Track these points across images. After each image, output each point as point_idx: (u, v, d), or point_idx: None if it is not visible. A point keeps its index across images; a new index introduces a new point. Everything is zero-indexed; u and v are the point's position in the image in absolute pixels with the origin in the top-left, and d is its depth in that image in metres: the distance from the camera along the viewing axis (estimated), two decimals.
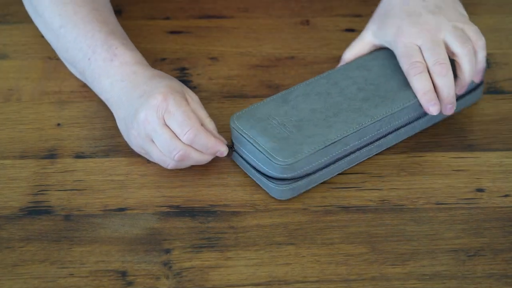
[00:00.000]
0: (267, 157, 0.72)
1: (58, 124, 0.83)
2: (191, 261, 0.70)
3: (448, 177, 0.76)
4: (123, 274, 0.69)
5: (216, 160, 0.78)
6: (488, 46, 0.90)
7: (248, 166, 0.75)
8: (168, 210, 0.74)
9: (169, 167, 0.74)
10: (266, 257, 0.70)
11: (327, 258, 0.70)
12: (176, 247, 0.71)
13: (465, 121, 0.82)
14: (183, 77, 0.88)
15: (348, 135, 0.74)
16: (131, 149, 0.79)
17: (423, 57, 0.76)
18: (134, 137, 0.74)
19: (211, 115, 0.83)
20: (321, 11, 0.96)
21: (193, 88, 0.87)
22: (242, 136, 0.74)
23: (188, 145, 0.72)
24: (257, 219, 0.73)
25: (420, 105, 0.76)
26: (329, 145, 0.73)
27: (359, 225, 0.72)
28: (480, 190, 0.75)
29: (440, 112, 0.76)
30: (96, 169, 0.78)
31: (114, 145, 0.80)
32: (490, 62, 0.89)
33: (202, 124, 0.74)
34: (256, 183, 0.76)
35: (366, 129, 0.75)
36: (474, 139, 0.80)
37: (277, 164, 0.71)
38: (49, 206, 0.74)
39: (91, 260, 0.70)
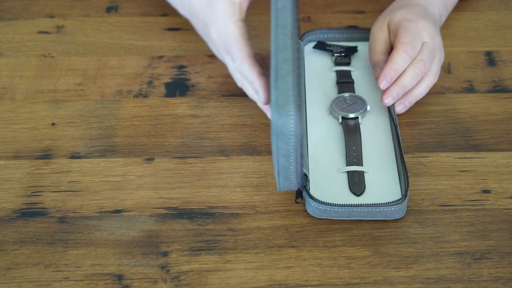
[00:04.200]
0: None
1: (53, 124, 0.82)
2: (189, 264, 0.69)
3: (453, 178, 0.76)
4: (120, 277, 0.68)
5: (215, 160, 0.77)
6: (494, 44, 0.92)
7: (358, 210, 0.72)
8: (166, 212, 0.73)
9: None
10: (266, 260, 0.69)
11: (329, 261, 0.69)
12: (174, 250, 0.70)
13: (471, 121, 0.82)
14: (181, 75, 0.88)
15: None
16: (128, 149, 0.79)
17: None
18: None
19: (210, 114, 0.83)
20: (323, 7, 0.96)
21: (191, 86, 0.86)
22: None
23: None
24: (257, 221, 0.72)
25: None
26: None
27: (362, 227, 0.72)
28: (486, 191, 0.75)
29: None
30: (92, 170, 0.77)
31: (110, 145, 0.80)
32: (496, 61, 0.89)
33: None
34: (256, 185, 0.75)
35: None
36: (480, 139, 0.80)
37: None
38: (44, 208, 0.74)
39: (87, 264, 0.69)
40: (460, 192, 0.75)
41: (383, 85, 0.77)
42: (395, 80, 0.78)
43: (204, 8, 0.80)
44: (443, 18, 0.88)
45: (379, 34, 0.82)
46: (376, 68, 0.81)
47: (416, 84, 0.80)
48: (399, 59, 0.77)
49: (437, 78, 0.81)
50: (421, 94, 0.80)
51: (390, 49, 0.82)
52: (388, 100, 0.78)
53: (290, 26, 0.72)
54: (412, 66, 0.78)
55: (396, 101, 0.80)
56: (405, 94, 0.80)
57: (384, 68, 0.78)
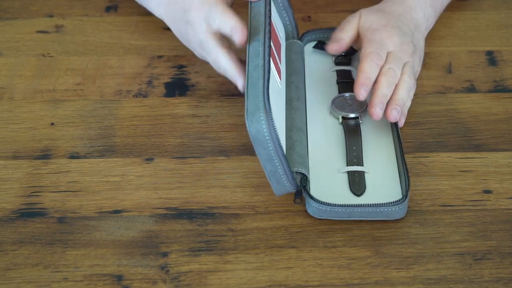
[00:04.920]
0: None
1: (52, 124, 0.82)
2: (189, 264, 0.69)
3: (454, 178, 0.76)
4: (119, 278, 0.68)
5: (215, 160, 0.77)
6: (495, 43, 0.91)
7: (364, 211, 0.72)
8: (165, 212, 0.73)
9: None
10: (267, 260, 0.69)
11: (329, 262, 0.69)
12: (173, 250, 0.70)
13: (472, 121, 0.81)
14: (181, 75, 0.87)
15: None
16: (127, 149, 0.79)
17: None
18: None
19: (210, 114, 0.82)
20: (323, 6, 0.96)
21: (191, 86, 0.86)
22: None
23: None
24: (257, 222, 0.72)
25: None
26: None
27: (362, 228, 0.71)
28: (487, 191, 0.74)
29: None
30: (91, 170, 0.77)
31: (110, 145, 0.80)
32: (497, 60, 0.89)
33: None
34: (256, 186, 0.75)
35: None
36: (481, 139, 0.79)
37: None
38: (43, 208, 0.74)
39: (86, 264, 0.69)
40: (461, 192, 0.74)
41: (361, 93, 0.76)
42: (374, 92, 0.77)
43: None
44: (432, 19, 0.88)
45: (352, 19, 0.83)
46: (332, 43, 0.82)
47: (396, 90, 0.78)
48: (368, 67, 0.78)
49: (414, 80, 0.80)
50: (405, 97, 0.78)
51: (356, 36, 0.83)
52: (376, 110, 0.76)
53: (263, 32, 0.73)
54: (383, 75, 0.78)
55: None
56: (390, 101, 0.78)
57: (357, 79, 0.77)
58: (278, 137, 0.67)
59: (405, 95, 0.78)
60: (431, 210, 0.73)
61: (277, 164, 0.68)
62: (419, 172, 0.76)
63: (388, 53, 0.79)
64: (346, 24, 0.84)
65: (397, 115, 0.77)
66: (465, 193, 0.74)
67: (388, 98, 0.77)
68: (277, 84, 0.78)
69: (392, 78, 0.78)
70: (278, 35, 0.83)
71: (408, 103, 0.79)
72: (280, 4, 0.86)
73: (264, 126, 0.66)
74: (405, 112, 0.79)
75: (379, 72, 0.78)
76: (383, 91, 0.77)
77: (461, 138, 0.79)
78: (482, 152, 0.78)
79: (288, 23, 0.87)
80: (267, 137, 0.66)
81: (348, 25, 0.83)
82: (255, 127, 0.66)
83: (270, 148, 0.67)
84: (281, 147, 0.67)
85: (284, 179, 0.69)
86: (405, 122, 0.81)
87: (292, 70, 0.83)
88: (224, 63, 0.79)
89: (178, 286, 0.67)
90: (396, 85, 0.78)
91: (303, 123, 0.78)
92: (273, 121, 0.66)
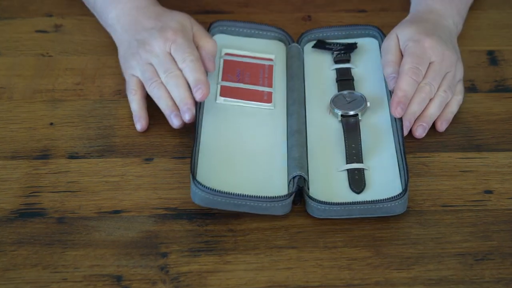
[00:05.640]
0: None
1: (51, 124, 0.82)
2: (188, 265, 0.69)
3: (455, 178, 0.75)
4: (118, 278, 0.68)
5: None
6: (496, 43, 0.91)
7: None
8: (165, 212, 0.73)
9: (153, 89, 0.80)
10: (267, 261, 0.69)
11: (329, 262, 0.69)
12: (173, 250, 0.70)
13: (473, 121, 0.81)
14: None
15: None
16: (127, 149, 0.78)
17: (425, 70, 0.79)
18: (135, 62, 0.81)
19: None
20: (323, 6, 0.96)
21: None
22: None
23: (180, 70, 0.79)
24: (257, 222, 0.72)
25: None
26: None
27: (363, 228, 0.71)
28: (488, 191, 0.74)
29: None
30: (90, 170, 0.77)
31: (109, 145, 0.79)
32: (498, 60, 0.89)
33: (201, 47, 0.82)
34: None
35: None
36: (482, 139, 0.79)
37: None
38: (42, 209, 0.74)
39: (85, 264, 0.69)
40: (462, 192, 0.74)
41: (398, 112, 0.76)
42: (406, 110, 0.77)
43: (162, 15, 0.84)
44: (460, 26, 0.88)
45: (391, 46, 0.82)
46: (390, 79, 0.80)
47: (427, 105, 0.79)
48: (406, 85, 0.77)
49: (452, 92, 0.80)
50: (435, 113, 0.79)
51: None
52: (403, 130, 0.77)
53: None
54: (418, 92, 0.78)
55: (413, 126, 0.79)
56: (418, 117, 0.78)
57: (393, 97, 0.77)
58: (216, 189, 0.69)
59: (436, 111, 0.79)
60: (432, 211, 0.72)
61: (245, 202, 0.69)
62: (419, 172, 0.76)
63: (430, 64, 0.79)
64: (389, 55, 0.81)
65: (423, 132, 0.78)
66: (466, 193, 0.74)
67: (417, 115, 0.78)
68: (268, 110, 0.80)
69: (426, 94, 0.78)
70: (263, 62, 0.84)
71: (450, 115, 0.80)
72: (250, 31, 0.87)
73: (200, 193, 0.70)
74: (449, 118, 0.80)
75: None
76: (413, 109, 0.78)
77: (462, 138, 0.79)
78: (483, 152, 0.78)
79: (276, 35, 0.87)
80: (211, 198, 0.69)
81: (391, 55, 0.81)
82: (196, 199, 0.70)
83: (223, 200, 0.69)
84: (228, 192, 0.69)
85: (265, 205, 0.70)
86: None
87: (290, 76, 0.83)
88: (184, 87, 0.78)
89: (177, 286, 0.67)
90: (430, 100, 0.78)
91: (300, 124, 0.78)
92: (202, 184, 0.69)
